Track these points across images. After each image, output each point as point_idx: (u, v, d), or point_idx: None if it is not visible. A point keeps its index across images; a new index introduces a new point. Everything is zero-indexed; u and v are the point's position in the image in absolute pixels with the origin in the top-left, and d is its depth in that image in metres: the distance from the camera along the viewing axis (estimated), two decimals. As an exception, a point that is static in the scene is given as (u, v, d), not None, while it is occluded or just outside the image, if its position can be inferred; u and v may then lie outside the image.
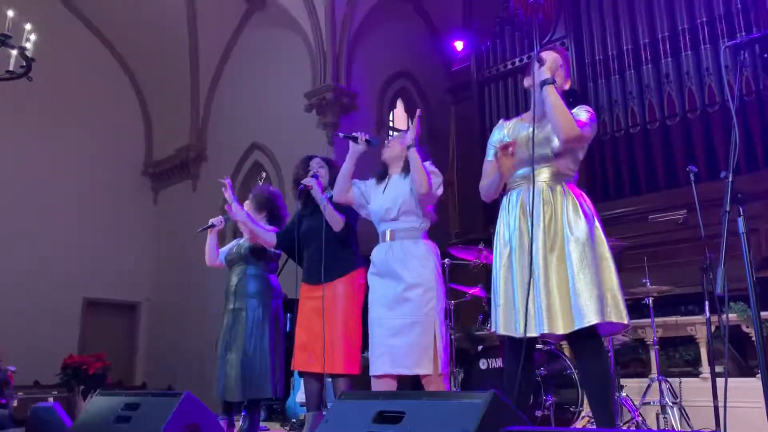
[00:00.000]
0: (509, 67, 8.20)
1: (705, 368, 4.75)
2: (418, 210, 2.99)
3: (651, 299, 4.29)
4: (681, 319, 5.12)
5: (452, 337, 4.60)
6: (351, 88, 9.10)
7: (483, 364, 4.22)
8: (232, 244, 4.24)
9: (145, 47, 11.24)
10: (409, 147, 2.94)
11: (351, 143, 3.11)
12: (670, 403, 4.12)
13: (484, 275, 5.81)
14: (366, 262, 3.46)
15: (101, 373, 8.68)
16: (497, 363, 4.11)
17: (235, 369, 3.76)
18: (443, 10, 10.60)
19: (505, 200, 2.57)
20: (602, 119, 7.16)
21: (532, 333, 2.31)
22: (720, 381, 3.44)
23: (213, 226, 4.07)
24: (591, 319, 2.23)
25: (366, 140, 3.11)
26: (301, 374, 3.53)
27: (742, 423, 3.97)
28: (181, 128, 11.20)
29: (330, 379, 3.58)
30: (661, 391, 4.11)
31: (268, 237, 3.77)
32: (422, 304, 2.85)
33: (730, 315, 4.66)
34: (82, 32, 11.26)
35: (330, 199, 3.37)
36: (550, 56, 2.50)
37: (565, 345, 4.56)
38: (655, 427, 4.14)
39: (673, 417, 4.09)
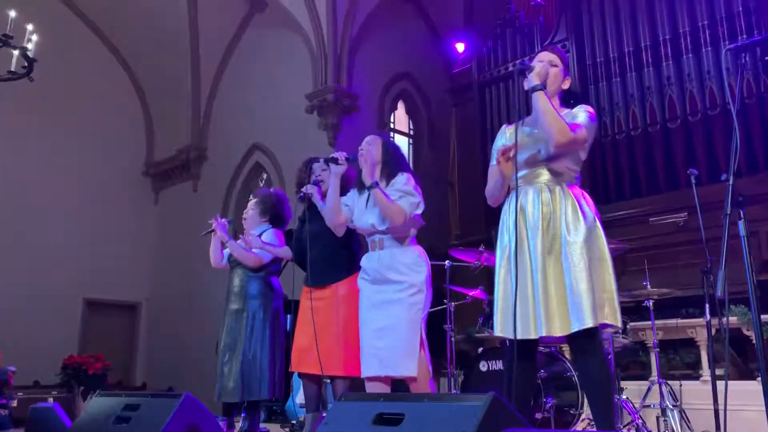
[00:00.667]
0: (510, 69, 8.19)
1: (705, 371, 4.75)
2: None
3: (651, 302, 4.28)
4: (681, 322, 5.12)
5: (452, 339, 4.60)
6: (352, 89, 9.10)
7: (483, 366, 4.22)
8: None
9: (146, 48, 11.25)
10: (370, 188, 2.89)
11: (332, 165, 3.08)
12: (671, 406, 4.11)
13: (484, 277, 5.81)
14: None
15: (101, 373, 8.69)
16: (497, 365, 4.11)
17: (235, 370, 3.76)
18: (444, 12, 10.61)
19: (506, 202, 2.57)
20: (603, 121, 7.17)
21: (530, 335, 2.32)
22: (720, 384, 3.43)
23: (215, 229, 4.08)
24: (588, 321, 2.23)
25: (346, 158, 3.09)
26: (301, 376, 3.53)
27: (743, 426, 3.97)
28: (182, 129, 11.21)
29: (329, 381, 3.58)
30: (662, 394, 4.11)
31: (283, 252, 3.83)
32: (407, 307, 2.85)
33: (730, 318, 4.66)
34: (84, 33, 11.28)
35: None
36: (544, 58, 2.51)
37: (565, 347, 4.56)
38: (655, 430, 4.13)
39: (674, 420, 4.08)
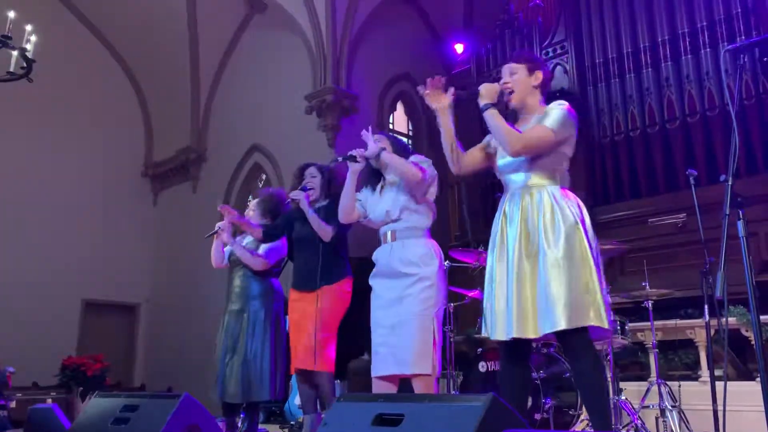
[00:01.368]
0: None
1: (704, 372, 4.76)
2: (418, 207, 2.97)
3: (650, 302, 4.28)
4: (680, 323, 5.12)
5: (452, 339, 4.60)
6: (351, 90, 9.10)
7: (482, 367, 4.22)
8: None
9: (145, 49, 11.25)
10: (378, 156, 2.93)
11: (350, 163, 3.08)
12: (670, 407, 4.11)
13: (483, 278, 5.81)
14: (361, 266, 3.48)
15: (100, 374, 8.68)
16: (497, 366, 4.11)
17: (236, 371, 3.77)
18: (444, 13, 10.62)
19: (499, 206, 2.61)
20: (602, 123, 7.17)
21: (501, 336, 2.37)
22: (719, 384, 3.44)
23: (219, 230, 4.08)
24: (560, 323, 2.24)
25: (364, 156, 3.09)
26: (296, 377, 3.56)
27: (742, 427, 3.97)
28: (182, 130, 11.21)
29: (338, 381, 3.63)
30: (661, 395, 4.11)
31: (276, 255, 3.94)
32: (419, 302, 2.82)
33: (729, 319, 4.66)
34: (83, 34, 11.28)
35: (318, 210, 3.45)
36: (504, 73, 2.59)
37: (564, 348, 4.56)
38: (654, 431, 4.13)
39: (673, 420, 4.08)
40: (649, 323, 4.39)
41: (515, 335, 2.32)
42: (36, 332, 9.45)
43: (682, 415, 4.20)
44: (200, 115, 11.13)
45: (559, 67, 7.68)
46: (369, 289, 3.09)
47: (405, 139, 10.41)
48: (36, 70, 5.34)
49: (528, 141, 2.41)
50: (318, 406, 3.55)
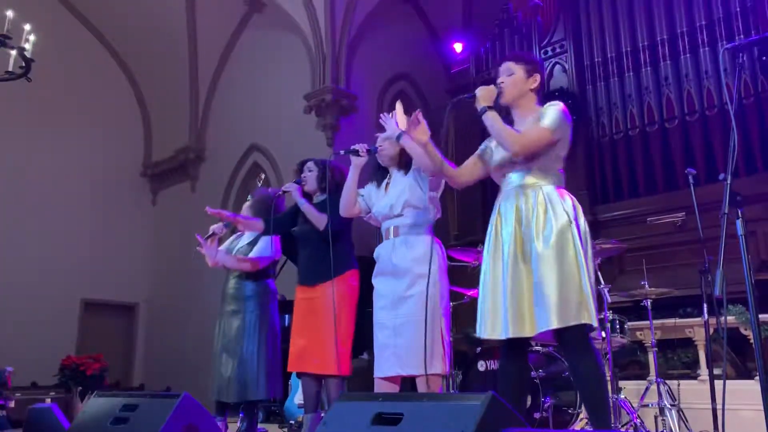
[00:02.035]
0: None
1: (703, 371, 4.76)
2: (423, 202, 2.97)
3: (649, 301, 4.28)
4: (679, 322, 5.12)
5: (451, 339, 4.60)
6: (350, 89, 9.10)
7: (481, 366, 4.22)
8: (228, 242, 4.25)
9: (144, 48, 11.24)
10: (398, 138, 2.90)
11: (352, 157, 3.08)
12: (669, 406, 4.12)
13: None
14: (360, 264, 3.47)
15: (99, 374, 8.66)
16: (496, 365, 4.11)
17: (231, 370, 3.78)
18: (443, 12, 10.61)
19: (494, 206, 2.62)
20: (601, 122, 7.17)
21: (498, 335, 2.38)
22: (718, 383, 3.44)
23: (214, 234, 4.09)
24: (551, 323, 2.26)
25: (367, 150, 3.09)
26: (299, 376, 3.54)
27: (741, 426, 3.98)
28: (180, 129, 11.20)
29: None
30: (660, 394, 4.11)
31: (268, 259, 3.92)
32: (423, 302, 2.80)
33: (728, 317, 4.66)
34: (81, 33, 11.26)
35: (316, 204, 3.45)
36: (501, 73, 2.61)
37: (563, 347, 4.56)
38: (653, 430, 4.14)
39: (672, 419, 4.09)
40: (648, 322, 4.40)
41: (511, 335, 2.33)
42: (35, 332, 9.44)
43: (681, 413, 4.21)
44: (199, 114, 11.12)
45: (558, 67, 7.68)
46: (369, 288, 3.09)
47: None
48: (34, 69, 5.34)
49: (527, 141, 2.43)
50: (319, 406, 3.55)
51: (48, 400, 7.35)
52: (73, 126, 10.69)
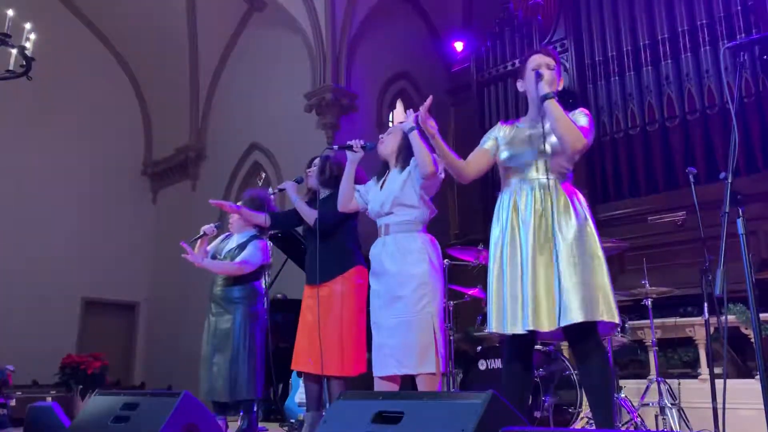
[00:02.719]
0: (509, 68, 8.19)
1: (704, 370, 4.76)
2: (414, 201, 2.94)
3: (650, 300, 4.28)
4: (680, 321, 5.12)
5: (451, 337, 4.60)
6: (350, 88, 9.09)
7: (482, 365, 4.22)
8: (216, 243, 4.24)
9: (145, 47, 11.23)
10: (410, 130, 2.85)
11: (348, 153, 3.09)
12: (669, 405, 4.12)
13: (483, 276, 5.77)
14: (366, 262, 3.46)
15: (100, 372, 8.67)
16: (496, 364, 4.11)
17: (223, 371, 3.80)
18: (443, 11, 10.60)
19: (499, 199, 2.59)
20: (602, 121, 7.17)
21: (517, 330, 2.33)
22: (719, 382, 3.44)
23: (205, 234, 4.08)
24: (575, 317, 2.24)
25: (362, 146, 3.08)
26: (300, 375, 3.54)
27: (741, 425, 3.98)
28: (181, 128, 11.20)
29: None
30: (660, 393, 4.11)
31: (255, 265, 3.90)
32: (415, 301, 2.79)
33: (729, 316, 4.66)
34: (82, 32, 11.26)
35: (321, 198, 3.43)
36: (541, 62, 2.54)
37: (564, 346, 4.56)
38: (653, 429, 4.14)
39: (672, 418, 4.09)
40: (648, 321, 4.40)
41: (530, 328, 2.30)
42: (36, 331, 9.45)
43: (682, 412, 4.21)
44: (199, 113, 11.12)
45: (558, 66, 7.67)
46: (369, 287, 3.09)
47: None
48: (35, 68, 5.34)
49: (587, 141, 2.44)
50: (320, 405, 3.54)
51: (49, 399, 7.35)
52: (73, 124, 10.69)
